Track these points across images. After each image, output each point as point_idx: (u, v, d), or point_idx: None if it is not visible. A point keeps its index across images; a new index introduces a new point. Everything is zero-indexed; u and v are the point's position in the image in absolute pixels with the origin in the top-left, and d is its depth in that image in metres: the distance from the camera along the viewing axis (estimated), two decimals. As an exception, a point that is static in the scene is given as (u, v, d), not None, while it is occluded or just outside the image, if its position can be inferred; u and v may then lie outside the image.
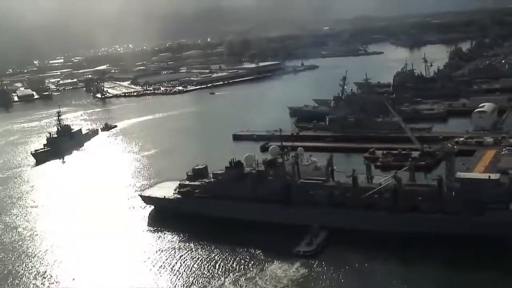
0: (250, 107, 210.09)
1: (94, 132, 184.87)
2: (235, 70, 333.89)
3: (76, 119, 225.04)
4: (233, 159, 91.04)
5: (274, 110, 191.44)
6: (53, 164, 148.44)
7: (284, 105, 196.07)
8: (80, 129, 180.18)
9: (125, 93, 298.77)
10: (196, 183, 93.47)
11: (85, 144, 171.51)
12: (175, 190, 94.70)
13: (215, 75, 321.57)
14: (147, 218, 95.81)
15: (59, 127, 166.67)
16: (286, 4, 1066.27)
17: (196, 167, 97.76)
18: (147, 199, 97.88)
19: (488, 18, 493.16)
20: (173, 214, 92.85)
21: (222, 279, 70.23)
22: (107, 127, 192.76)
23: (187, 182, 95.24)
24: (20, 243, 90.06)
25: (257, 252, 76.39)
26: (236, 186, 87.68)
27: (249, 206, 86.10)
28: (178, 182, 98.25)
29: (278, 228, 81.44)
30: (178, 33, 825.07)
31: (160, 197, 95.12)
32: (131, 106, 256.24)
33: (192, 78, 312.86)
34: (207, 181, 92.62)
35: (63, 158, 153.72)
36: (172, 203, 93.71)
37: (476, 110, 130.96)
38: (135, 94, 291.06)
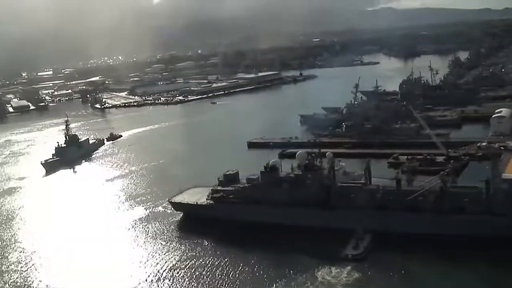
0: (256, 115, 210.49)
1: (100, 142, 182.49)
2: (235, 80, 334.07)
3: (79, 129, 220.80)
4: (268, 163, 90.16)
5: (282, 118, 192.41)
6: (65, 174, 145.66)
7: (289, 113, 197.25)
8: (88, 138, 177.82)
9: (125, 103, 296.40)
10: (230, 188, 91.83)
11: (93, 153, 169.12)
12: (208, 196, 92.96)
13: (215, 85, 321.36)
14: (179, 225, 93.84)
15: (67, 137, 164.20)
16: (274, 16, 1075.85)
17: (227, 173, 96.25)
18: (177, 206, 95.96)
19: (477, 30, 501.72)
20: (206, 220, 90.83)
21: (271, 285, 68.52)
22: (112, 137, 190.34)
23: (219, 188, 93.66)
24: (50, 252, 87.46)
25: (301, 257, 74.54)
26: (273, 191, 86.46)
27: (287, 210, 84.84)
28: (207, 188, 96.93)
29: (317, 232, 79.80)
30: (168, 46, 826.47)
31: (192, 203, 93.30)
32: (133, 116, 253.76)
33: (192, 88, 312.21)
34: (241, 186, 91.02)
35: (74, 168, 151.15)
36: (205, 209, 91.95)
37: (494, 116, 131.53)
38: (135, 104, 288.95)
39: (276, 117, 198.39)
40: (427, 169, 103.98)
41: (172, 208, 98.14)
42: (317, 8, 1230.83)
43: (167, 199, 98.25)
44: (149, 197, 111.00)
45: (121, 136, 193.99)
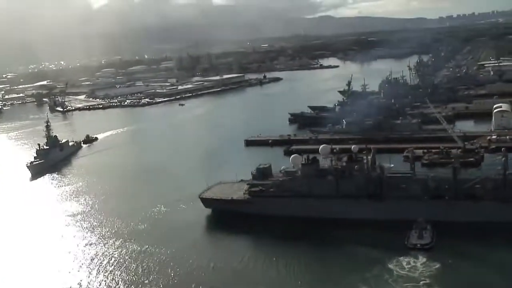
0: (239, 115, 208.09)
1: (78, 145, 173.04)
2: (200, 82, 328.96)
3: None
4: (308, 155, 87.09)
5: (267, 117, 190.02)
6: (53, 177, 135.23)
7: (272, 113, 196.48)
8: (67, 140, 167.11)
9: (89, 106, 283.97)
10: (268, 182, 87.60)
11: (75, 156, 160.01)
12: (245, 190, 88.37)
13: (180, 87, 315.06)
14: (212, 222, 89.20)
15: (47, 138, 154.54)
16: (218, 24, 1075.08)
17: (260, 166, 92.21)
18: (209, 202, 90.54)
19: (426, 37, 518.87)
20: (241, 216, 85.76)
21: (345, 279, 64.92)
22: (88, 140, 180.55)
23: (254, 182, 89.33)
24: (78, 251, 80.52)
25: (363, 250, 71.79)
26: (316, 183, 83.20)
27: (333, 203, 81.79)
28: (233, 184, 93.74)
29: (368, 224, 77.31)
30: (113, 51, 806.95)
31: (227, 198, 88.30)
32: (100, 119, 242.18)
33: (158, 91, 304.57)
34: (280, 179, 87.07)
35: (61, 171, 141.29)
36: (242, 204, 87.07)
37: (497, 110, 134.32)
38: (100, 106, 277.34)
39: (260, 116, 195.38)
40: (447, 161, 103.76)
41: (199, 205, 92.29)
42: (256, 17, 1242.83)
43: (198, 196, 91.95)
44: (165, 196, 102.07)
45: (97, 138, 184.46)
